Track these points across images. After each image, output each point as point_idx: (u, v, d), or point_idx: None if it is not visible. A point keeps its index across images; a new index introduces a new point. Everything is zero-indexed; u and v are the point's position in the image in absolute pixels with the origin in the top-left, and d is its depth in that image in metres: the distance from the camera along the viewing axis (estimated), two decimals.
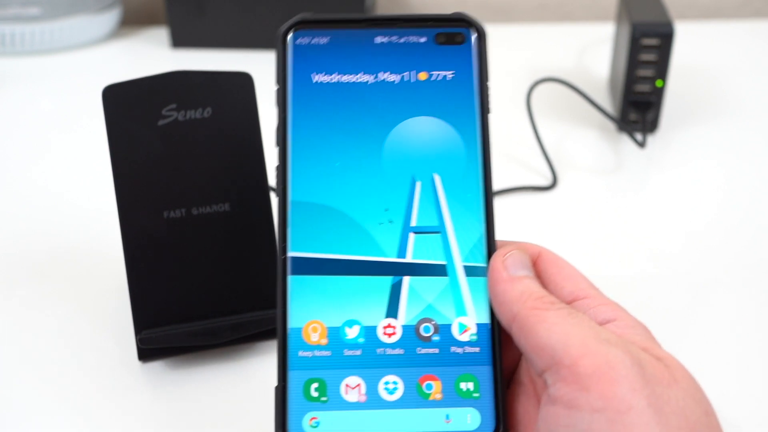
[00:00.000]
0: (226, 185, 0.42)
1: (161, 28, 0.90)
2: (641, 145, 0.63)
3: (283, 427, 0.29)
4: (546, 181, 0.60)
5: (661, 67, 0.62)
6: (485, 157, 0.32)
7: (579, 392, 0.25)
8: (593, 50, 0.83)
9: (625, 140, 0.65)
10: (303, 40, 0.32)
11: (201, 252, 0.42)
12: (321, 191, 0.31)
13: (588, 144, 0.65)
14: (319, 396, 0.30)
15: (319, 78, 0.32)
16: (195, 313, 0.42)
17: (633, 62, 0.62)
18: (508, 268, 0.30)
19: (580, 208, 0.57)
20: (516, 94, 0.71)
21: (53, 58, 0.83)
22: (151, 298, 0.41)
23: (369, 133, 0.32)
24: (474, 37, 0.33)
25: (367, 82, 0.32)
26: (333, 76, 0.32)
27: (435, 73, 0.32)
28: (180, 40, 0.84)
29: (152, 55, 0.84)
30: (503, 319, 0.29)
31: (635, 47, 0.62)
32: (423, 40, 0.32)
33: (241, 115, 0.42)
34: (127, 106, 0.41)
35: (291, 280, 0.31)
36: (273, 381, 0.42)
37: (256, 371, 0.42)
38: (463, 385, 0.30)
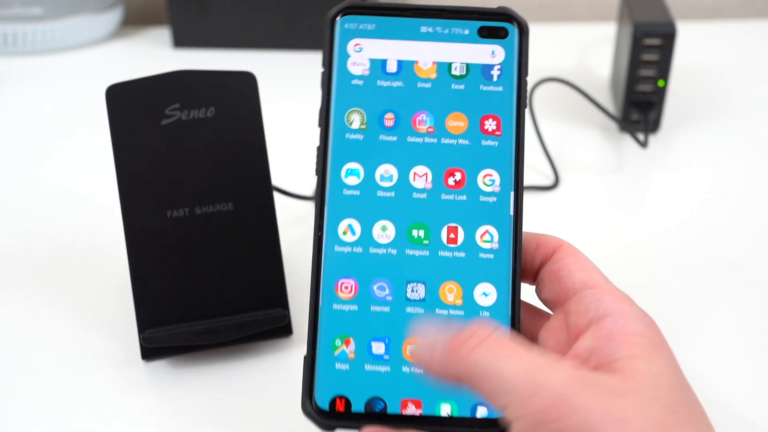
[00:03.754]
0: (229, 185, 0.42)
1: (163, 27, 0.90)
2: (643, 145, 0.63)
3: (311, 394, 0.30)
4: (548, 180, 0.60)
5: (663, 67, 0.62)
6: (518, 150, 0.33)
7: (537, 428, 0.25)
8: (595, 50, 0.83)
9: (627, 140, 0.65)
10: (351, 25, 0.33)
11: (204, 251, 0.42)
12: (358, 173, 0.32)
13: (590, 144, 0.65)
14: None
15: (363, 63, 0.33)
16: (198, 313, 0.42)
17: (635, 62, 0.62)
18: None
19: (582, 208, 0.57)
20: None
21: (55, 58, 0.83)
22: (154, 297, 0.41)
23: (407, 123, 0.33)
24: (516, 32, 0.33)
25: (410, 70, 0.33)
26: (377, 60, 0.33)
27: (476, 65, 0.33)
28: (182, 39, 0.84)
29: (154, 54, 0.84)
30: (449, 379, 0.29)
31: (637, 47, 0.62)
32: (466, 32, 0.33)
33: (244, 115, 0.42)
34: (131, 106, 0.41)
35: (325, 257, 0.32)
36: (275, 381, 0.42)
37: (259, 370, 0.42)
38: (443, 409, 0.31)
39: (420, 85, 0.33)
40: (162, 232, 0.41)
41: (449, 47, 0.33)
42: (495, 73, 0.33)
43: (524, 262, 0.33)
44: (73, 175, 0.62)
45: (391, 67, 0.33)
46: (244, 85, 0.42)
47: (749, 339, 0.44)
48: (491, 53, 0.33)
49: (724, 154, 0.64)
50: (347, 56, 0.33)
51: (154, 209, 0.41)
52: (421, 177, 0.32)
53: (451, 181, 0.33)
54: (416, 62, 0.33)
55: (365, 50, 0.33)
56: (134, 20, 0.95)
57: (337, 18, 0.33)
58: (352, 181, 0.33)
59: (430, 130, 0.33)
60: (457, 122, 0.33)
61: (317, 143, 0.33)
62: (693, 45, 0.80)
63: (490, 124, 0.33)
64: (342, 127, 0.33)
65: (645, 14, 0.64)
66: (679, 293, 0.48)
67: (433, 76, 0.33)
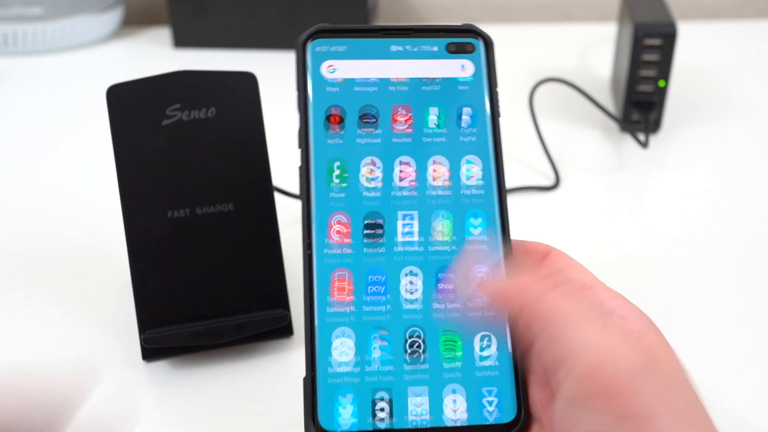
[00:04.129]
0: (230, 185, 0.42)
1: (163, 27, 0.90)
2: (644, 145, 0.63)
3: (313, 415, 0.30)
4: (549, 181, 0.60)
5: (664, 67, 0.62)
6: (497, 157, 0.33)
7: (599, 399, 0.25)
8: (595, 50, 0.83)
9: (628, 140, 0.65)
10: (322, 48, 0.34)
11: (205, 252, 0.42)
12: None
13: (590, 144, 0.65)
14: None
15: (335, 82, 0.34)
16: (199, 313, 0.42)
17: (635, 62, 0.62)
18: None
19: (582, 208, 0.57)
20: (518, 95, 0.71)
21: (56, 58, 0.83)
22: (155, 297, 0.41)
23: (384, 134, 0.33)
24: (482, 46, 0.34)
25: (383, 85, 0.34)
26: (351, 70, 0.34)
27: (447, 80, 0.34)
28: (182, 40, 0.84)
29: (154, 55, 0.84)
30: (510, 313, 0.29)
31: (638, 47, 0.62)
32: (435, 49, 0.34)
33: (245, 115, 0.42)
34: (131, 106, 0.41)
35: (317, 273, 0.32)
36: (275, 381, 0.42)
37: (259, 371, 0.42)
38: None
39: (395, 89, 0.34)
40: (163, 232, 0.41)
41: (420, 63, 0.34)
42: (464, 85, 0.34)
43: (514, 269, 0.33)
44: (73, 175, 0.62)
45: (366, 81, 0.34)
46: (245, 85, 0.42)
47: (750, 339, 0.44)
48: (461, 67, 0.34)
49: (725, 154, 0.64)
50: (322, 77, 0.34)
51: (154, 209, 0.41)
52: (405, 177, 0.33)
53: (436, 176, 0.33)
54: (389, 78, 0.34)
55: (338, 71, 0.34)
56: (134, 20, 0.95)
57: (308, 42, 0.34)
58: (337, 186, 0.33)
59: (409, 131, 0.33)
60: (434, 117, 0.34)
61: (299, 163, 0.33)
62: (693, 45, 0.80)
63: (466, 120, 0.34)
64: (323, 145, 0.33)
65: (645, 14, 0.64)
66: (679, 293, 0.48)
67: (406, 88, 0.34)
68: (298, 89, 0.34)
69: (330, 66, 0.34)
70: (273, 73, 0.77)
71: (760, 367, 0.42)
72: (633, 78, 0.63)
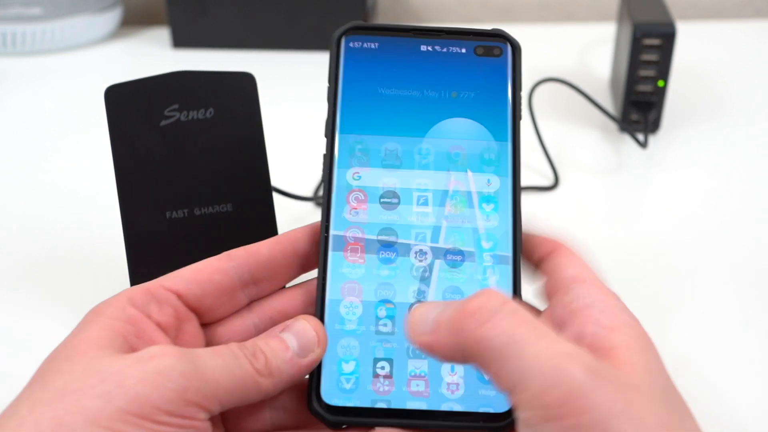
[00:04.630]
0: (228, 186, 0.42)
1: (162, 28, 0.90)
2: (643, 145, 0.63)
3: (318, 389, 0.31)
4: (548, 181, 0.60)
5: (663, 67, 0.62)
6: (515, 157, 0.35)
7: (552, 423, 0.24)
8: (594, 50, 0.83)
9: (627, 140, 0.65)
10: (356, 44, 0.36)
11: (204, 252, 0.42)
12: (362, 177, 0.34)
13: (589, 144, 0.65)
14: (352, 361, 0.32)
15: (367, 77, 0.35)
16: None
17: (635, 62, 0.62)
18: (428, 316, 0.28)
19: (581, 209, 0.57)
20: None
21: (54, 58, 0.83)
22: None
23: (410, 130, 0.35)
24: (510, 50, 0.36)
25: (412, 84, 0.35)
26: (380, 76, 0.35)
27: (472, 80, 0.35)
28: (181, 40, 0.84)
29: (153, 55, 0.84)
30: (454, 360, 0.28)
31: (637, 47, 0.62)
32: (463, 50, 0.36)
33: (243, 116, 0.42)
34: (130, 107, 0.41)
35: (331, 256, 0.33)
36: None
37: None
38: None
39: (423, 84, 0.35)
40: (161, 233, 0.41)
41: (447, 64, 0.36)
42: (489, 86, 0.35)
43: (522, 260, 0.34)
44: (72, 175, 0.62)
45: (393, 79, 0.35)
46: (244, 85, 0.42)
47: (750, 339, 0.44)
48: (487, 70, 0.36)
49: (724, 154, 0.64)
50: (353, 72, 0.35)
51: (153, 210, 0.41)
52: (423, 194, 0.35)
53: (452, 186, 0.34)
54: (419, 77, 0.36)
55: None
56: (133, 20, 0.95)
57: (343, 37, 0.35)
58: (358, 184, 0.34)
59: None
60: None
61: (323, 151, 0.35)
62: (693, 45, 0.80)
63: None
64: (348, 138, 0.35)
65: (645, 14, 0.64)
66: (678, 293, 0.48)
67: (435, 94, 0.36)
68: (330, 81, 0.35)
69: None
70: (272, 73, 0.77)
71: (760, 367, 0.42)
72: (632, 78, 0.63)
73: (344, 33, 0.35)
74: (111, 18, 0.86)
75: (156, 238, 0.41)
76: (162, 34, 0.88)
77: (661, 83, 0.63)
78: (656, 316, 0.46)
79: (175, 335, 0.31)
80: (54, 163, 0.64)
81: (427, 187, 0.34)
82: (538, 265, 0.33)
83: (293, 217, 0.55)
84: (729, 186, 0.59)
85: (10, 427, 0.26)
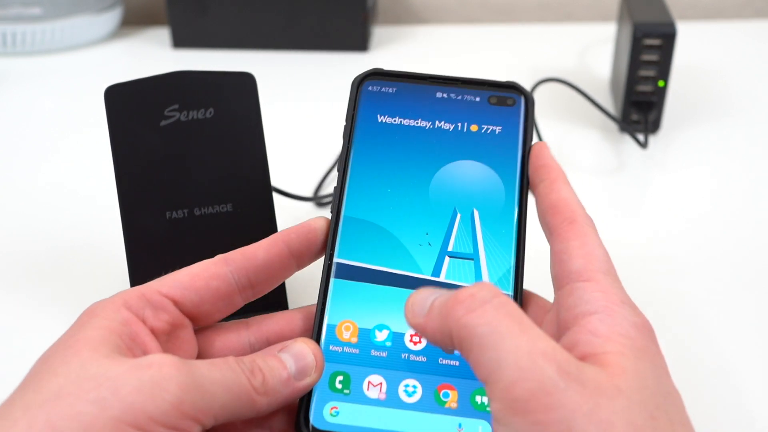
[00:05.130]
0: (228, 186, 0.42)
1: (162, 28, 0.90)
2: (643, 145, 0.63)
3: (306, 412, 0.31)
4: None
5: (663, 67, 0.62)
6: (522, 202, 0.36)
7: (516, 417, 0.25)
8: (595, 50, 0.83)
9: (627, 140, 0.65)
10: (374, 88, 0.38)
11: (204, 253, 0.42)
12: (370, 211, 0.35)
13: (590, 144, 0.65)
14: (343, 388, 0.32)
15: (382, 119, 0.37)
16: None
17: (635, 62, 0.62)
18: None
19: None
20: None
21: (54, 58, 0.83)
22: None
23: (420, 169, 0.36)
24: (523, 102, 0.37)
25: (425, 127, 0.37)
26: (395, 119, 0.37)
27: (485, 127, 0.37)
28: (181, 40, 0.84)
29: (153, 55, 0.84)
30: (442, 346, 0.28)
31: (637, 47, 0.62)
32: (477, 99, 0.37)
33: (243, 116, 0.42)
34: (130, 107, 0.41)
35: (333, 282, 0.34)
36: None
37: None
38: (478, 398, 0.31)
39: (436, 127, 0.37)
40: (161, 233, 0.41)
41: (461, 110, 0.37)
42: (500, 133, 0.37)
43: (540, 218, 0.35)
44: (72, 175, 0.62)
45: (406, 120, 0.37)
46: (244, 85, 0.42)
47: (750, 338, 0.44)
48: (499, 118, 0.37)
49: (724, 154, 0.64)
50: (372, 118, 0.37)
51: (153, 210, 0.41)
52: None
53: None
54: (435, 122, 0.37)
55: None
56: (133, 20, 0.95)
57: (364, 81, 0.37)
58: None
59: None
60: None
61: (335, 184, 0.36)
62: (693, 45, 0.80)
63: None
64: (362, 176, 0.36)
65: (645, 14, 0.64)
66: (678, 293, 0.48)
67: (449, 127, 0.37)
68: (347, 120, 0.37)
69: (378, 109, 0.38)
70: (272, 73, 0.77)
71: (760, 367, 0.42)
72: (632, 78, 0.63)
73: (365, 77, 0.38)
74: (111, 18, 0.86)
75: (156, 238, 0.41)
76: (162, 34, 0.88)
77: (661, 83, 0.63)
78: (656, 316, 0.46)
79: (168, 341, 0.31)
80: (54, 163, 0.64)
81: (435, 222, 0.35)
82: (548, 226, 0.33)
83: (293, 217, 0.55)
84: (729, 186, 0.59)
85: (2, 428, 0.26)
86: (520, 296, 0.34)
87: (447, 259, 0.34)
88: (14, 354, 0.44)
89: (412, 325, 0.29)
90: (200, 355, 0.33)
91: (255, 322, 0.34)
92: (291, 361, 0.30)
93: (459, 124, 0.37)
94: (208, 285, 0.32)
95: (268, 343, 0.34)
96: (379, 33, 0.89)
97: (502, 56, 0.81)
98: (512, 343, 0.25)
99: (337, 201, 0.35)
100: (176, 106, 0.41)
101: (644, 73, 0.63)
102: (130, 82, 0.41)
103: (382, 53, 0.83)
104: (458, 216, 0.35)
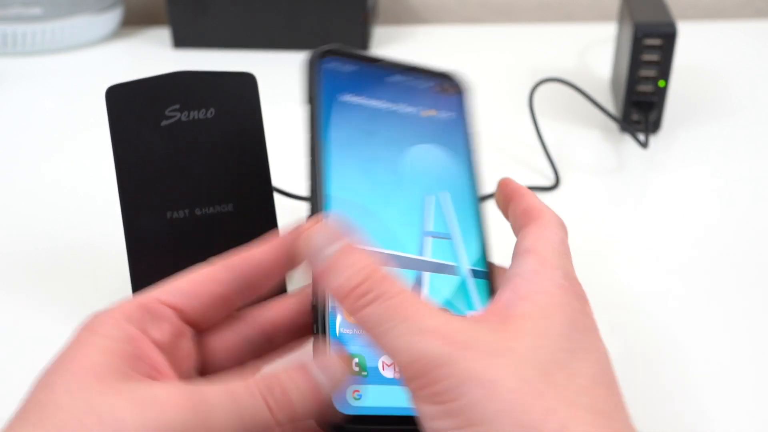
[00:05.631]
0: (229, 186, 0.42)
1: (163, 28, 0.90)
2: (644, 145, 0.63)
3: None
4: (548, 181, 0.60)
5: (664, 67, 0.62)
6: (478, 184, 0.37)
7: (417, 393, 0.26)
8: (595, 50, 0.83)
9: (628, 140, 0.65)
10: (331, 66, 0.36)
11: (204, 252, 0.42)
12: (352, 192, 0.34)
13: (590, 144, 0.65)
14: (360, 371, 0.31)
15: (345, 99, 0.36)
16: None
17: (635, 62, 0.62)
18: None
19: (582, 209, 0.57)
20: (518, 95, 0.71)
21: (55, 58, 0.83)
22: None
23: (388, 151, 0.36)
24: (462, 91, 0.39)
25: (384, 108, 0.37)
26: (355, 98, 0.36)
27: (435, 112, 0.38)
28: (181, 40, 0.84)
29: (154, 55, 0.84)
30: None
31: (637, 47, 0.62)
32: (426, 85, 0.38)
33: (244, 116, 0.42)
34: (130, 107, 0.41)
35: None
36: None
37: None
38: None
39: (394, 110, 0.37)
40: (162, 233, 0.41)
41: (414, 94, 0.38)
42: (449, 118, 0.38)
43: (513, 226, 0.35)
44: (73, 175, 0.62)
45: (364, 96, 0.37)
46: (244, 85, 0.42)
47: (750, 338, 0.44)
48: (446, 104, 0.38)
49: (725, 154, 0.64)
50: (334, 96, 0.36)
51: (154, 210, 0.41)
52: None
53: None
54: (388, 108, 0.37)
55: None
56: (134, 20, 0.95)
57: (321, 58, 0.36)
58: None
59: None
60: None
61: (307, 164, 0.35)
62: (693, 45, 0.80)
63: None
64: (337, 157, 0.35)
65: (645, 14, 0.64)
66: (678, 293, 0.48)
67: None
68: (309, 101, 0.36)
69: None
70: (273, 73, 0.76)
71: (760, 367, 0.42)
72: (633, 78, 0.63)
73: (321, 54, 0.36)
74: (111, 18, 0.86)
75: (157, 238, 0.41)
76: (162, 34, 0.88)
77: (661, 83, 0.63)
78: (656, 315, 0.46)
79: (171, 353, 0.30)
80: (55, 163, 0.64)
81: (409, 203, 0.35)
82: (519, 227, 0.33)
83: (294, 217, 0.55)
84: (730, 186, 0.59)
85: None
86: (490, 270, 0.35)
87: (428, 239, 0.34)
88: (14, 354, 0.44)
89: (312, 268, 0.29)
90: (202, 361, 0.32)
91: (249, 315, 0.34)
92: (320, 376, 0.29)
93: (413, 109, 0.37)
94: (210, 291, 0.31)
95: (264, 334, 0.33)
96: (379, 33, 0.89)
97: (502, 56, 0.81)
98: (398, 330, 0.26)
99: (317, 182, 0.34)
100: (177, 106, 0.41)
101: (645, 73, 0.63)
102: (131, 82, 0.41)
103: (382, 53, 0.83)
104: (432, 198, 0.36)
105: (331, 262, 0.28)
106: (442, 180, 0.36)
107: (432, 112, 0.37)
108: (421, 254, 0.34)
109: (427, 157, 0.36)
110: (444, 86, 0.38)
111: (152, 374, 0.28)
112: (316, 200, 0.34)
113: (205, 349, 0.33)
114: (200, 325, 0.32)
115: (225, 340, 0.33)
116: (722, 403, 0.40)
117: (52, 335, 0.45)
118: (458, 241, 0.35)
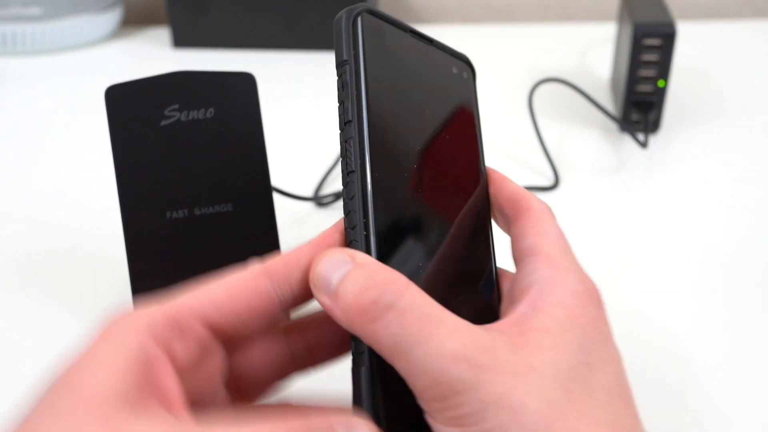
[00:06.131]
0: (228, 185, 0.42)
1: (162, 28, 0.90)
2: (643, 145, 0.63)
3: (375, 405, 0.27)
4: (548, 181, 0.60)
5: (663, 67, 0.62)
6: (482, 166, 0.36)
7: (436, 415, 0.25)
8: (595, 50, 0.83)
9: (627, 140, 0.65)
10: (370, 24, 0.32)
11: (204, 252, 0.42)
12: (397, 171, 0.30)
13: (590, 144, 0.65)
14: None
15: (382, 59, 0.32)
16: None
17: (635, 62, 0.62)
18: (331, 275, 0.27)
19: (582, 209, 0.57)
20: (518, 95, 0.71)
21: (54, 58, 0.83)
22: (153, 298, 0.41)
23: (427, 122, 0.33)
24: (475, 75, 0.38)
25: (416, 75, 0.35)
26: (391, 60, 0.33)
27: (454, 87, 0.37)
28: (181, 39, 0.84)
29: (153, 55, 0.84)
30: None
31: (637, 47, 0.62)
32: (447, 62, 0.37)
33: (243, 116, 0.42)
34: (130, 107, 0.41)
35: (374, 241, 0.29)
36: None
37: None
38: None
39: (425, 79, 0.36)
40: (161, 233, 0.41)
41: (439, 61, 0.37)
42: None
43: (497, 213, 0.34)
44: (72, 175, 0.62)
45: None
46: (244, 85, 0.42)
47: (750, 338, 0.44)
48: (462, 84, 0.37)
49: (724, 154, 0.64)
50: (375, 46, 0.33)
51: (153, 210, 0.41)
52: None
53: None
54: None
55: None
56: (134, 20, 0.95)
57: (359, 15, 0.32)
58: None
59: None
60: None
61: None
62: (693, 45, 0.80)
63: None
64: (382, 129, 0.31)
65: (645, 14, 0.64)
66: (678, 293, 0.48)
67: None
68: (350, 59, 0.31)
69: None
70: (272, 73, 0.77)
71: (760, 367, 0.42)
72: (632, 78, 0.63)
73: (359, 12, 0.32)
74: (111, 18, 0.86)
75: (156, 238, 0.41)
76: (162, 34, 0.88)
77: (661, 83, 0.63)
78: (656, 315, 0.46)
79: (193, 372, 0.27)
80: (54, 163, 0.64)
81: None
82: (510, 220, 0.33)
83: (293, 217, 0.55)
84: (730, 186, 0.59)
85: None
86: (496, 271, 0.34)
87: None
88: (14, 354, 0.44)
89: (320, 302, 0.27)
90: (234, 378, 0.29)
91: (294, 328, 0.30)
92: None
93: (440, 79, 0.36)
94: (249, 305, 0.27)
95: (310, 352, 0.30)
96: None
97: (502, 56, 0.81)
98: (420, 351, 0.25)
99: (359, 160, 0.29)
100: (176, 106, 0.41)
101: (644, 73, 0.63)
102: (130, 82, 0.41)
103: None
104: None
105: (338, 290, 0.26)
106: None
107: (451, 89, 0.36)
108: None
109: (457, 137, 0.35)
110: (460, 67, 0.37)
111: (162, 401, 0.25)
112: (362, 183, 0.29)
113: (243, 366, 0.30)
114: (233, 341, 0.29)
115: (267, 356, 0.30)
116: (722, 403, 0.40)
117: (52, 335, 0.45)
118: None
